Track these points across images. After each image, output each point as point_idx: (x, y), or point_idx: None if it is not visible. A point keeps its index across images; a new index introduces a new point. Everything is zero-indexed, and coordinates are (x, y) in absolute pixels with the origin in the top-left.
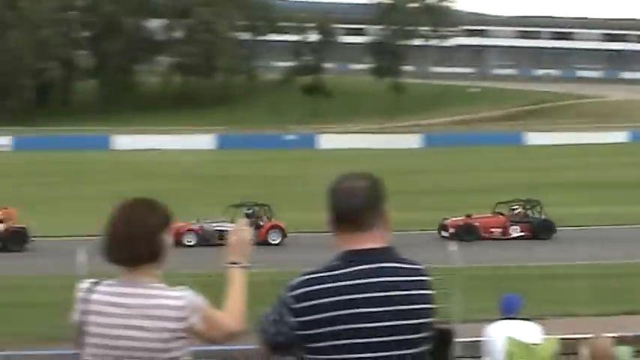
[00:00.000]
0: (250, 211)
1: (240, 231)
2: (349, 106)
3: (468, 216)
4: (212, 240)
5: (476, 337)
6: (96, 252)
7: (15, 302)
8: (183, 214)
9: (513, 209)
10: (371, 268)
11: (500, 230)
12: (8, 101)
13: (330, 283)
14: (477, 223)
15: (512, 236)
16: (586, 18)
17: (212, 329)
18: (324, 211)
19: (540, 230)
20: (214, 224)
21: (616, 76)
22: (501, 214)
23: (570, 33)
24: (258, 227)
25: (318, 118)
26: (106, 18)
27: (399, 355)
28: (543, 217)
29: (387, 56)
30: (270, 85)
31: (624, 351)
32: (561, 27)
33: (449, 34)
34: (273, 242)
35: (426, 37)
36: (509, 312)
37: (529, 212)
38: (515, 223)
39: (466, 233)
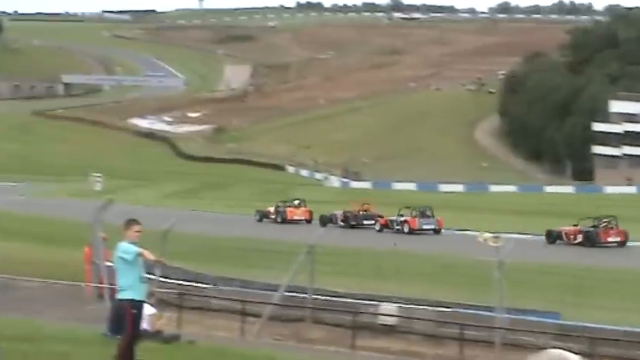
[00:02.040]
0: None
1: None
2: None
3: (575, 225)
4: None
5: None
6: None
7: None
8: None
9: (603, 222)
10: None
11: (572, 237)
12: None
13: None
14: (561, 231)
15: (576, 242)
16: None
17: None
18: None
19: (589, 239)
20: None
21: None
22: (595, 225)
23: None
24: None
25: None
26: None
27: None
28: (591, 229)
29: None
30: None
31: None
32: None
33: None
34: None
35: None
36: None
37: (612, 225)
38: (581, 233)
39: (548, 237)
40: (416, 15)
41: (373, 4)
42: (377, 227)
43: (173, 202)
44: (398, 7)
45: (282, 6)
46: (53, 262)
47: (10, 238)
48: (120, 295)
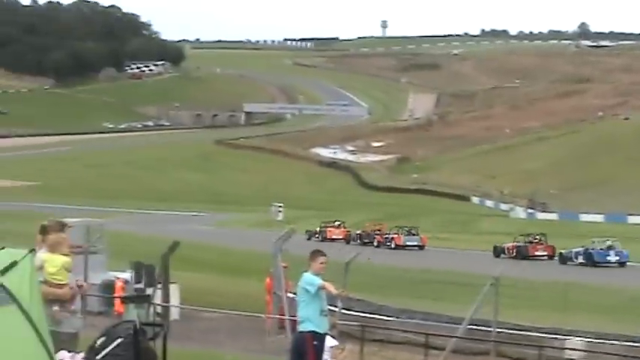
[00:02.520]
0: None
1: None
2: None
3: (516, 240)
4: None
5: None
6: None
7: None
8: None
9: (535, 239)
10: None
11: (511, 251)
12: None
13: None
14: (504, 246)
15: (513, 255)
16: None
17: None
18: None
19: (520, 253)
20: None
21: None
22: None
23: None
24: None
25: None
26: None
27: None
28: (522, 244)
29: None
30: None
31: None
32: None
33: None
34: None
35: None
36: None
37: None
38: (515, 247)
39: (495, 251)
40: (604, 42)
41: (560, 31)
42: (375, 243)
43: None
44: (585, 34)
45: (466, 33)
46: (234, 293)
47: (191, 268)
48: (301, 327)
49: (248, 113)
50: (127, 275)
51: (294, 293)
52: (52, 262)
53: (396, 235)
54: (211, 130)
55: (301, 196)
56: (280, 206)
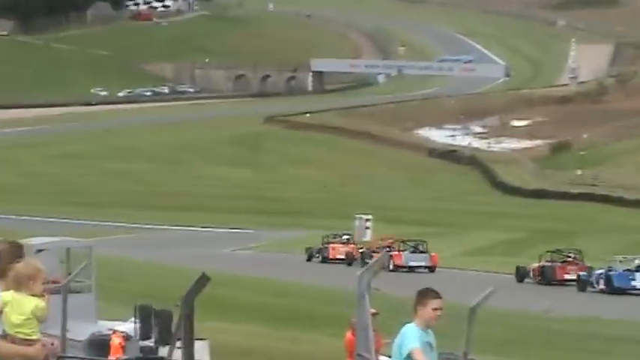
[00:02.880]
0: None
1: None
2: None
3: (543, 258)
4: None
5: None
6: None
7: None
8: None
9: (567, 256)
10: None
11: (536, 274)
12: None
13: None
14: (529, 269)
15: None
16: None
17: None
18: None
19: (544, 276)
20: None
21: None
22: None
23: None
24: None
25: None
26: None
27: None
28: (548, 264)
29: None
30: None
31: None
32: None
33: None
34: None
35: None
36: None
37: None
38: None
39: (517, 275)
40: None
41: None
42: None
43: (485, 262)
44: None
45: None
46: (293, 354)
47: (227, 316)
48: None
49: (318, 74)
50: (129, 326)
51: (389, 356)
52: (18, 306)
53: (395, 253)
54: (260, 100)
55: (401, 205)
56: (368, 219)
